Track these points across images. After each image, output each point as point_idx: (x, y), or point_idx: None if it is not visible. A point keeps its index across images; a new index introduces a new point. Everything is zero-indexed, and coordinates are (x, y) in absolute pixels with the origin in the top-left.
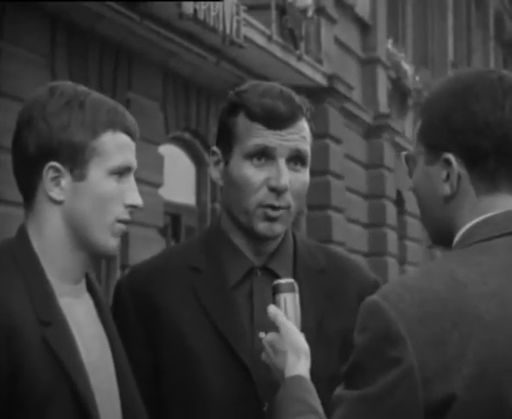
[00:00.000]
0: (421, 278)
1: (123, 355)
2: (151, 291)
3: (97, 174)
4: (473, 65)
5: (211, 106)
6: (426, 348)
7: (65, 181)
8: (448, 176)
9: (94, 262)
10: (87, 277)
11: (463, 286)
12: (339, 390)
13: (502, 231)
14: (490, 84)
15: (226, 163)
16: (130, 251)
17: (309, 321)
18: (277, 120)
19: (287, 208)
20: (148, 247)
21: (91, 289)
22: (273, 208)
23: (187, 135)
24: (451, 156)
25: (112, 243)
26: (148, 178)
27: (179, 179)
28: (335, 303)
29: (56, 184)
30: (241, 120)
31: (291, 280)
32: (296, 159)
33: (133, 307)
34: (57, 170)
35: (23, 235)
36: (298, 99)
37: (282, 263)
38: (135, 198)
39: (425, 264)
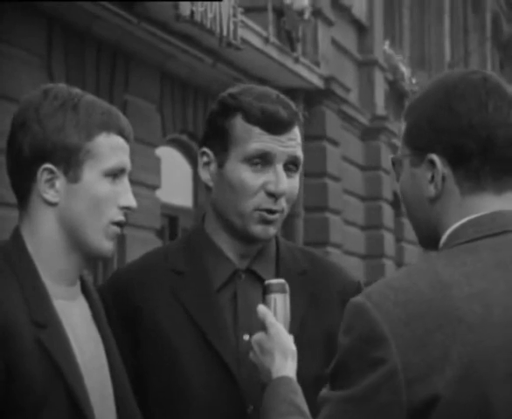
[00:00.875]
0: (406, 278)
1: (118, 357)
2: (133, 294)
3: (91, 175)
4: (471, 67)
5: (208, 108)
6: (410, 349)
7: (60, 183)
8: (433, 177)
9: (91, 264)
10: (82, 279)
11: (448, 287)
12: (324, 391)
13: (487, 233)
14: (474, 84)
15: (220, 165)
16: (127, 253)
17: (292, 323)
18: (277, 126)
19: (281, 212)
20: (146, 249)
21: (85, 291)
22: (270, 211)
23: (184, 137)
24: (435, 157)
25: (106, 245)
26: (146, 180)
27: (176, 181)
28: (317, 304)
29: (50, 186)
30: (239, 123)
31: (282, 281)
32: (291, 164)
33: (115, 310)
34: (51, 172)
35: (17, 237)
36: (293, 104)
37: (265, 265)
38: (129, 200)
39: (410, 264)
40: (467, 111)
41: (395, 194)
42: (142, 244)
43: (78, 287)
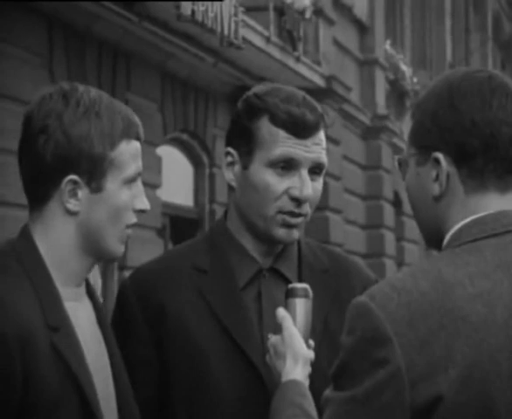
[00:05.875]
0: (409, 278)
1: (119, 357)
2: (157, 293)
3: (113, 185)
4: (472, 67)
5: (208, 107)
6: (413, 349)
7: (82, 192)
8: (438, 176)
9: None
10: (86, 280)
11: (451, 287)
12: (327, 391)
13: (491, 233)
14: (478, 83)
15: (244, 167)
16: (128, 252)
17: (315, 321)
18: (303, 130)
19: (305, 215)
20: (146, 248)
21: (89, 292)
22: (293, 214)
23: (185, 136)
24: (440, 155)
25: (120, 248)
26: (146, 179)
27: (177, 180)
28: (339, 303)
29: (72, 195)
30: (265, 125)
31: (306, 286)
32: (315, 169)
33: (139, 309)
34: (75, 183)
35: (27, 237)
36: (319, 107)
37: (288, 264)
38: (145, 203)
39: (413, 264)
40: (469, 109)
41: (396, 193)
42: (143, 243)
43: (83, 288)
